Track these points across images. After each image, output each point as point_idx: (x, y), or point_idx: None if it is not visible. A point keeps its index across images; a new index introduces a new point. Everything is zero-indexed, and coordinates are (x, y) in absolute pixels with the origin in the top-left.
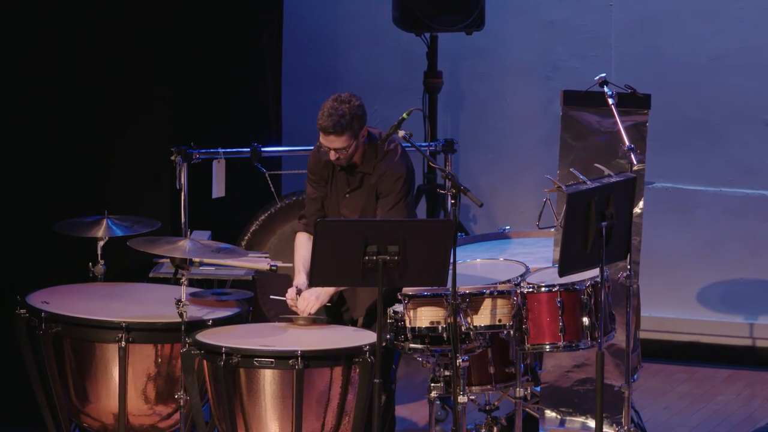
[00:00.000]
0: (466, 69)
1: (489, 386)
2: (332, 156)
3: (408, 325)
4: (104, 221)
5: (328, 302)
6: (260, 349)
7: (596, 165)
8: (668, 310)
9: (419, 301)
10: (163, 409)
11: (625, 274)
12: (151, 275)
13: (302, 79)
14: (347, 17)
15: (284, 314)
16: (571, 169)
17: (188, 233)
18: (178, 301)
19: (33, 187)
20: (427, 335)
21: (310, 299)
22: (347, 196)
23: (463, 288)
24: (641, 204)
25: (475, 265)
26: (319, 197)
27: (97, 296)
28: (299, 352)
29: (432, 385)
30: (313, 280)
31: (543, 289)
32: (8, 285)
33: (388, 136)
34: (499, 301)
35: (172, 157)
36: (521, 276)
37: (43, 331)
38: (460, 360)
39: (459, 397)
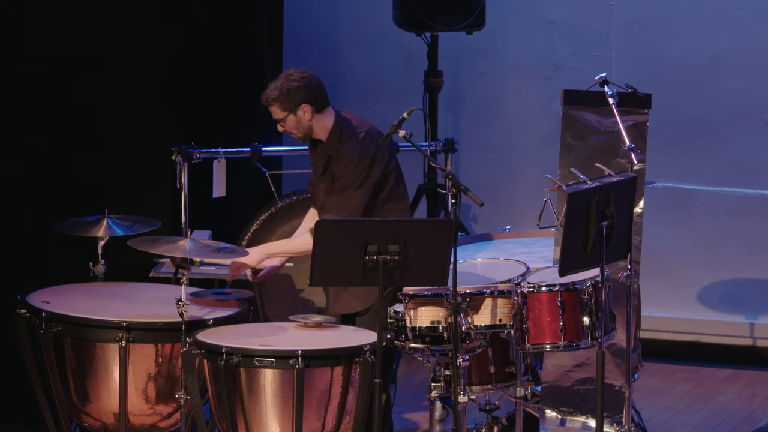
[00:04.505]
0: (467, 68)
1: (489, 386)
2: (279, 128)
3: (408, 324)
4: (105, 221)
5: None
6: (261, 349)
7: (597, 164)
8: (669, 310)
9: (420, 300)
10: (163, 409)
11: (625, 274)
12: (151, 275)
13: None
14: (348, 17)
15: (283, 314)
16: (571, 169)
17: (189, 233)
18: (179, 300)
19: (33, 187)
20: (428, 335)
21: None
22: (321, 178)
23: (464, 287)
24: (642, 203)
25: (475, 264)
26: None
27: (98, 296)
28: (300, 352)
29: (432, 384)
30: (314, 280)
31: (543, 288)
32: (8, 284)
33: (389, 136)
34: (500, 301)
35: (173, 157)
36: (522, 275)
37: (43, 330)
38: (461, 359)
39: (459, 397)
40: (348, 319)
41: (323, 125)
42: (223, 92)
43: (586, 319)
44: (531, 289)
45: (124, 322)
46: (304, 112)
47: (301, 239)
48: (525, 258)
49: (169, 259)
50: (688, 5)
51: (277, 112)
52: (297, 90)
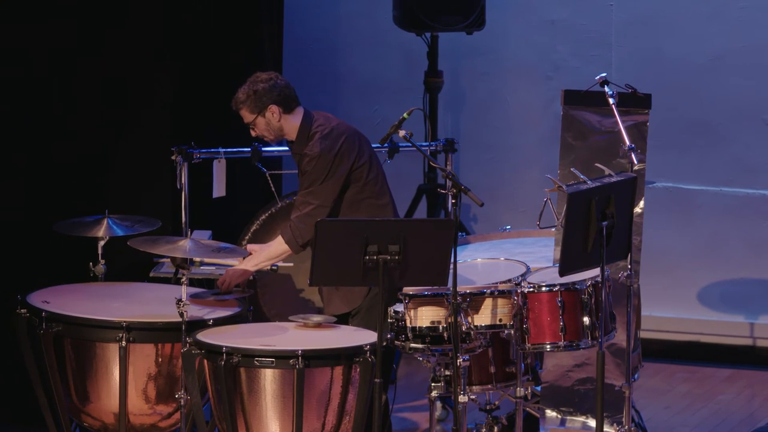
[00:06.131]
0: (467, 68)
1: (490, 386)
2: (251, 132)
3: (409, 324)
4: (105, 221)
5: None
6: (261, 349)
7: (597, 164)
8: (669, 310)
9: (420, 300)
10: (163, 409)
11: (625, 274)
12: (151, 275)
13: (303, 78)
14: (348, 17)
15: (283, 314)
16: (571, 169)
17: (189, 233)
18: (179, 300)
19: (33, 187)
20: (428, 335)
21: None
22: (300, 179)
23: (464, 287)
24: (642, 204)
25: (475, 264)
26: None
27: (98, 296)
28: (300, 352)
29: (433, 384)
30: (314, 280)
31: (544, 288)
32: (8, 284)
33: (389, 136)
34: (500, 301)
35: (173, 157)
36: (522, 275)
37: (43, 330)
38: (461, 359)
39: (460, 397)
40: (341, 321)
41: (292, 125)
42: (223, 92)
43: (586, 319)
44: (531, 289)
45: (124, 322)
46: (272, 113)
47: (274, 242)
48: (525, 258)
49: (169, 259)
50: (688, 5)
51: (246, 116)
52: (263, 91)
